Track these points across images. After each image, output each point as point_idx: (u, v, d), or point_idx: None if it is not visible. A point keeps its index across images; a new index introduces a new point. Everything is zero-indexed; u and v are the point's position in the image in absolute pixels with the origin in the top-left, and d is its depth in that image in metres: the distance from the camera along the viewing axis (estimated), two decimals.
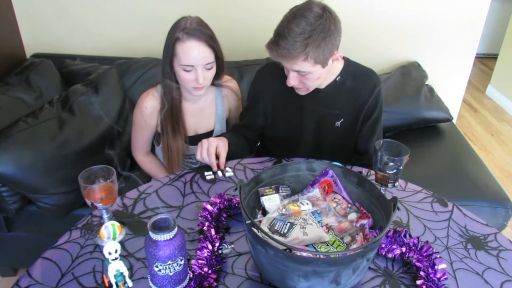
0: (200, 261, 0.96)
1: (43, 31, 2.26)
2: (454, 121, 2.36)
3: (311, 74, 1.28)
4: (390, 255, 1.03)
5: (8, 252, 1.82)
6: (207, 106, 1.60)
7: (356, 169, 1.37)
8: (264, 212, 1.06)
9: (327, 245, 0.98)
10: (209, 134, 1.62)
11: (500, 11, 4.31)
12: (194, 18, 1.40)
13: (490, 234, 1.12)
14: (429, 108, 2.11)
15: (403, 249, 1.02)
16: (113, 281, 0.88)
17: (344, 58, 1.43)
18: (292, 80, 1.30)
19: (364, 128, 1.49)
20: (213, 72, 1.43)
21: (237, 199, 1.17)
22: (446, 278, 0.96)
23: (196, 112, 1.58)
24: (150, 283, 0.90)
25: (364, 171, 1.38)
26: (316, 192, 1.10)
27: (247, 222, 0.88)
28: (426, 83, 2.26)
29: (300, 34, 1.18)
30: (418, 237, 1.04)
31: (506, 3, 4.35)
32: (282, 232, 0.96)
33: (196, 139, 1.60)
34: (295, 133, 1.53)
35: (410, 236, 1.06)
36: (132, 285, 0.92)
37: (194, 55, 1.35)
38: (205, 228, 1.06)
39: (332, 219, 1.04)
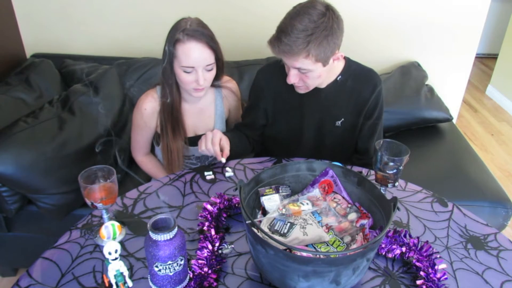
0: (200, 261, 0.96)
1: (43, 31, 2.26)
2: (454, 121, 2.36)
3: (311, 72, 1.28)
4: (390, 255, 1.03)
5: (8, 252, 1.82)
6: (207, 107, 1.60)
7: (356, 169, 1.37)
8: (264, 212, 1.06)
9: (327, 245, 0.98)
10: None
11: (500, 11, 4.31)
12: (194, 19, 1.39)
13: (490, 234, 1.12)
14: (429, 108, 2.11)
15: (403, 249, 1.02)
16: (113, 281, 0.88)
17: (345, 57, 1.43)
18: (292, 78, 1.30)
19: (365, 128, 1.49)
20: (213, 73, 1.43)
21: (237, 199, 1.17)
22: (446, 278, 0.96)
23: (195, 113, 1.58)
24: (150, 283, 0.90)
25: (364, 171, 1.38)
26: (316, 192, 1.10)
27: (247, 222, 0.88)
28: (426, 83, 2.26)
29: (303, 31, 1.19)
30: (418, 237, 1.04)
31: (506, 3, 4.35)
32: (282, 232, 0.96)
33: (195, 140, 1.59)
34: (296, 133, 1.53)
35: (410, 236, 1.06)
36: (132, 285, 0.92)
37: (194, 57, 1.35)
38: (205, 228, 1.06)
39: (332, 219, 1.04)
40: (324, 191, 1.09)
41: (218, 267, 0.97)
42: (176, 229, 0.85)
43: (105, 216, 1.06)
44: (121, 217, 1.14)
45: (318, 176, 1.11)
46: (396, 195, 1.26)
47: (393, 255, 1.02)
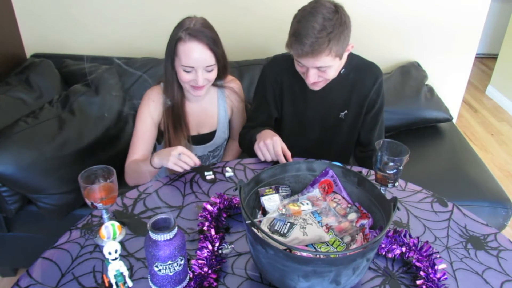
0: (200, 261, 0.96)
1: (43, 31, 2.26)
2: (454, 121, 2.36)
3: (330, 68, 1.31)
4: (390, 255, 1.03)
5: (8, 252, 1.82)
6: (210, 107, 1.60)
7: (356, 169, 1.37)
8: (264, 212, 1.06)
9: (327, 245, 0.98)
10: (211, 135, 1.62)
11: (500, 11, 4.31)
12: (199, 19, 1.38)
13: (490, 234, 1.12)
14: (429, 108, 2.11)
15: (403, 249, 1.02)
16: (113, 281, 0.88)
17: None
18: (312, 78, 1.33)
19: (367, 119, 1.53)
20: (214, 74, 1.43)
21: (237, 199, 1.17)
22: (446, 278, 0.96)
23: (198, 112, 1.58)
24: (150, 283, 0.90)
25: (364, 171, 1.38)
26: (316, 192, 1.10)
27: (247, 222, 0.88)
28: (426, 83, 2.26)
29: (321, 30, 1.22)
30: (418, 237, 1.04)
31: (506, 3, 4.35)
32: (282, 232, 0.96)
33: (199, 139, 1.60)
34: (300, 125, 1.56)
35: (410, 236, 1.06)
36: (132, 285, 0.92)
37: (194, 57, 1.35)
38: (205, 228, 1.06)
39: (332, 219, 1.04)
40: (324, 191, 1.09)
41: (218, 267, 0.97)
42: (176, 229, 0.85)
43: (105, 216, 1.06)
44: (121, 217, 1.14)
45: (318, 176, 1.11)
46: (396, 195, 1.26)
47: (393, 255, 1.02)
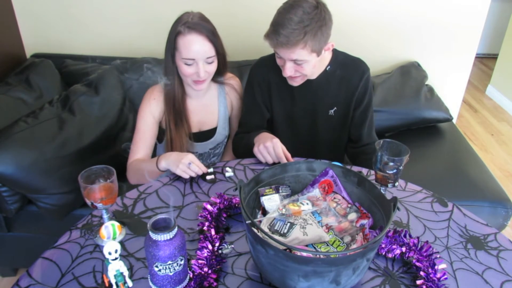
0: (200, 261, 0.96)
1: (43, 31, 2.26)
2: (454, 121, 2.36)
3: (307, 63, 1.33)
4: (390, 255, 1.03)
5: (8, 252, 1.82)
6: (210, 103, 1.61)
7: (356, 169, 1.37)
8: (264, 212, 1.06)
9: (327, 245, 0.98)
10: (212, 131, 1.63)
11: (500, 11, 4.31)
12: (196, 13, 1.41)
13: (490, 234, 1.12)
14: (429, 108, 2.11)
15: (403, 249, 1.02)
16: (113, 281, 0.88)
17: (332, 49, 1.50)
18: (288, 70, 1.35)
19: (356, 115, 1.55)
20: (214, 66, 1.44)
21: (237, 199, 1.17)
22: (446, 278, 0.96)
23: (199, 109, 1.58)
24: (150, 283, 0.90)
25: (364, 171, 1.38)
26: (316, 192, 1.10)
27: (247, 222, 0.88)
28: (426, 83, 2.26)
29: (299, 22, 1.25)
30: (418, 237, 1.04)
31: (506, 3, 4.35)
32: (282, 232, 0.96)
33: (200, 136, 1.61)
34: (290, 125, 1.57)
35: (410, 236, 1.06)
36: (132, 285, 0.92)
37: (195, 49, 1.36)
38: (205, 228, 1.06)
39: (332, 219, 1.04)
40: (324, 191, 1.09)
41: (218, 267, 0.97)
42: (176, 229, 0.85)
43: (105, 216, 1.06)
44: (121, 217, 1.14)
45: (318, 176, 1.11)
46: (396, 195, 1.26)
47: (393, 255, 1.02)
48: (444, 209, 1.21)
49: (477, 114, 3.62)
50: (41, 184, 1.56)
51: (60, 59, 2.15)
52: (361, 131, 1.57)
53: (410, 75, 2.19)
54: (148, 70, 2.00)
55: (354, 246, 0.98)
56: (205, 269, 0.94)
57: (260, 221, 1.01)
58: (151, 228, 0.84)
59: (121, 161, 1.54)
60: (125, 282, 0.89)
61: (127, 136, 1.87)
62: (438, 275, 0.95)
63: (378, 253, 1.04)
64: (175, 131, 1.51)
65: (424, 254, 1.00)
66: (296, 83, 1.43)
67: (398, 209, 1.20)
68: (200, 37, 1.36)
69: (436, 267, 0.97)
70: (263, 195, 1.07)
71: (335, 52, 1.49)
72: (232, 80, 1.63)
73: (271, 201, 1.06)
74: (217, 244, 1.01)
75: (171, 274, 0.87)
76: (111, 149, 1.79)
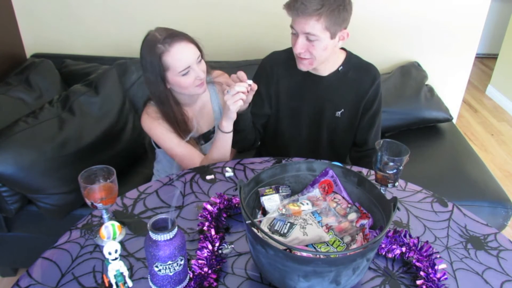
0: (200, 261, 0.96)
1: (43, 31, 2.26)
2: (454, 121, 2.36)
3: (318, 41, 1.31)
4: (390, 255, 1.03)
5: (8, 252, 1.82)
6: (205, 104, 1.60)
7: (356, 169, 1.37)
8: (264, 212, 1.06)
9: (327, 245, 0.98)
10: (211, 132, 1.63)
11: (500, 11, 4.31)
12: (159, 29, 1.41)
13: (490, 234, 1.12)
14: (429, 108, 2.11)
15: (403, 249, 1.02)
16: (113, 281, 0.88)
17: (346, 51, 1.49)
18: (299, 46, 1.33)
19: (364, 120, 1.54)
20: (204, 62, 1.44)
21: (237, 199, 1.17)
22: (446, 278, 0.96)
23: (196, 112, 1.58)
24: (150, 283, 0.90)
25: (364, 171, 1.38)
26: (316, 192, 1.10)
27: (247, 222, 0.88)
28: (426, 83, 2.26)
29: None
30: (418, 237, 1.04)
31: (506, 3, 4.34)
32: (282, 232, 0.96)
33: (200, 139, 1.60)
34: (295, 121, 1.56)
35: (410, 236, 1.06)
36: (132, 285, 0.92)
37: (186, 55, 1.36)
38: (205, 228, 1.06)
39: (332, 219, 1.04)
40: (324, 191, 1.09)
41: (218, 267, 0.97)
42: (176, 229, 0.85)
43: (105, 216, 1.06)
44: (121, 217, 1.14)
45: (318, 176, 1.11)
46: (396, 195, 1.26)
47: (393, 255, 1.02)
48: (444, 209, 1.21)
49: (477, 114, 3.62)
50: (41, 184, 1.56)
51: (60, 59, 2.15)
52: (368, 136, 1.56)
53: (410, 75, 2.19)
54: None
55: (354, 246, 0.98)
56: (205, 269, 0.94)
57: (260, 221, 1.01)
58: (151, 228, 0.84)
59: (121, 161, 1.54)
60: (125, 282, 0.89)
61: (127, 136, 1.87)
62: (438, 275, 0.95)
63: (378, 253, 1.04)
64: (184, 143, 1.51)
65: (424, 254, 1.00)
66: (304, 66, 1.40)
67: (398, 209, 1.20)
68: (183, 43, 1.36)
69: (436, 267, 0.97)
70: (263, 195, 1.07)
71: (349, 54, 1.48)
72: (221, 78, 1.63)
73: (271, 201, 1.06)
74: (217, 244, 1.01)
75: (171, 274, 0.87)
76: (111, 149, 1.79)
